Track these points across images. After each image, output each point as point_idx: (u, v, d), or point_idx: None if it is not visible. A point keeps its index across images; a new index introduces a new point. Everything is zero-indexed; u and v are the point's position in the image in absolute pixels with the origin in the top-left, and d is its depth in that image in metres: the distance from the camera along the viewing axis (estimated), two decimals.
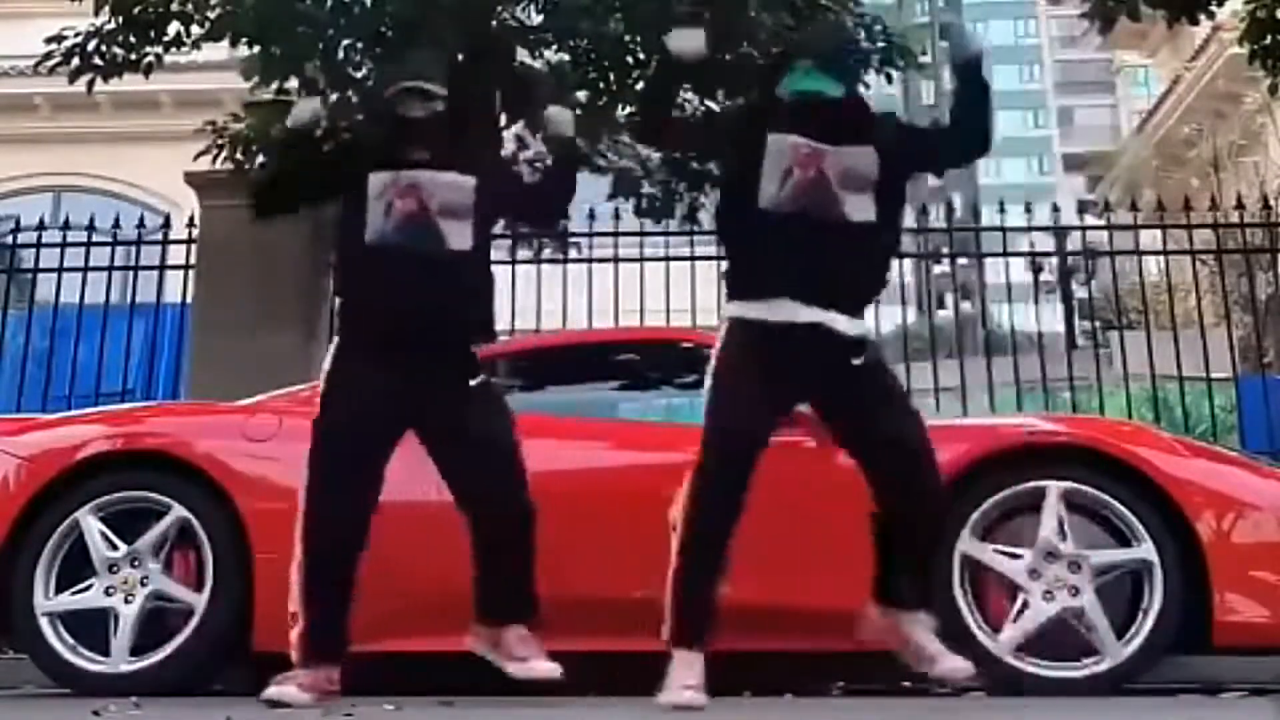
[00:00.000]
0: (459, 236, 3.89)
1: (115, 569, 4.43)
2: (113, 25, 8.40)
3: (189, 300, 8.29)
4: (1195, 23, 9.13)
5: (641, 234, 8.33)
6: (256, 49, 8.00)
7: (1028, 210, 8.48)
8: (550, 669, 3.77)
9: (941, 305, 41.14)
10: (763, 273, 3.71)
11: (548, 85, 8.72)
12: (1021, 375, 8.47)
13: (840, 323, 3.67)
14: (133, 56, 8.56)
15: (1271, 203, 8.60)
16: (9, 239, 9.27)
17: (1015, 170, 65.63)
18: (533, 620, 3.87)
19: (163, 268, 8.41)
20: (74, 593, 4.44)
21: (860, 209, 3.69)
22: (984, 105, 3.95)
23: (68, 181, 15.86)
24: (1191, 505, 4.10)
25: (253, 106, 8.91)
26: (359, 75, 8.59)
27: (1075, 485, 4.14)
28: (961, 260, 21.46)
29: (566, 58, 8.72)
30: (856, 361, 3.68)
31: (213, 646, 4.36)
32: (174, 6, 8.38)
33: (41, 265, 8.47)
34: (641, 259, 8.03)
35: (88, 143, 15.45)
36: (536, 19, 8.71)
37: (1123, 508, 4.10)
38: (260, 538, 4.31)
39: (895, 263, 4.02)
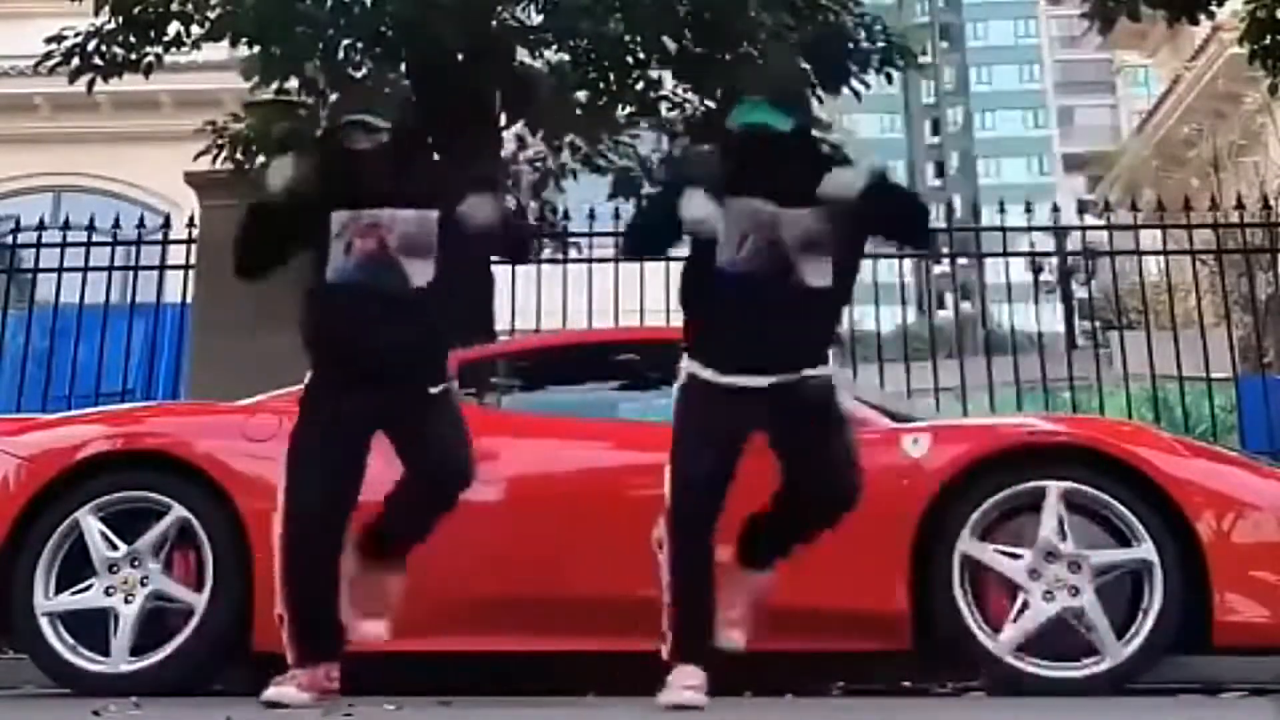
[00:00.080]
0: (420, 273, 3.89)
1: (115, 569, 4.43)
2: (113, 25, 8.39)
3: (189, 300, 8.29)
4: (1195, 23, 9.13)
5: None
6: (256, 49, 7.99)
7: (1028, 210, 8.48)
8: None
9: (941, 305, 41.18)
10: (717, 338, 3.75)
11: (548, 85, 8.73)
12: (1021, 375, 8.47)
13: (791, 379, 3.70)
14: (133, 56, 8.55)
15: (1271, 203, 8.60)
16: (9, 239, 9.28)
17: (1015, 170, 65.67)
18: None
19: (163, 268, 8.41)
20: (74, 593, 4.44)
21: (816, 274, 3.70)
22: (909, 207, 3.93)
23: (68, 181, 15.86)
24: (1191, 505, 4.10)
25: (253, 106, 8.90)
26: (359, 75, 8.58)
27: (1075, 485, 4.14)
28: (961, 260, 21.51)
29: (566, 58, 8.71)
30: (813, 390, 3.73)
31: (213, 646, 4.36)
32: (174, 6, 8.38)
33: (41, 265, 8.47)
34: (641, 259, 8.01)
35: (88, 143, 15.44)
36: (536, 19, 8.71)
37: (1123, 508, 4.10)
38: (260, 538, 4.29)
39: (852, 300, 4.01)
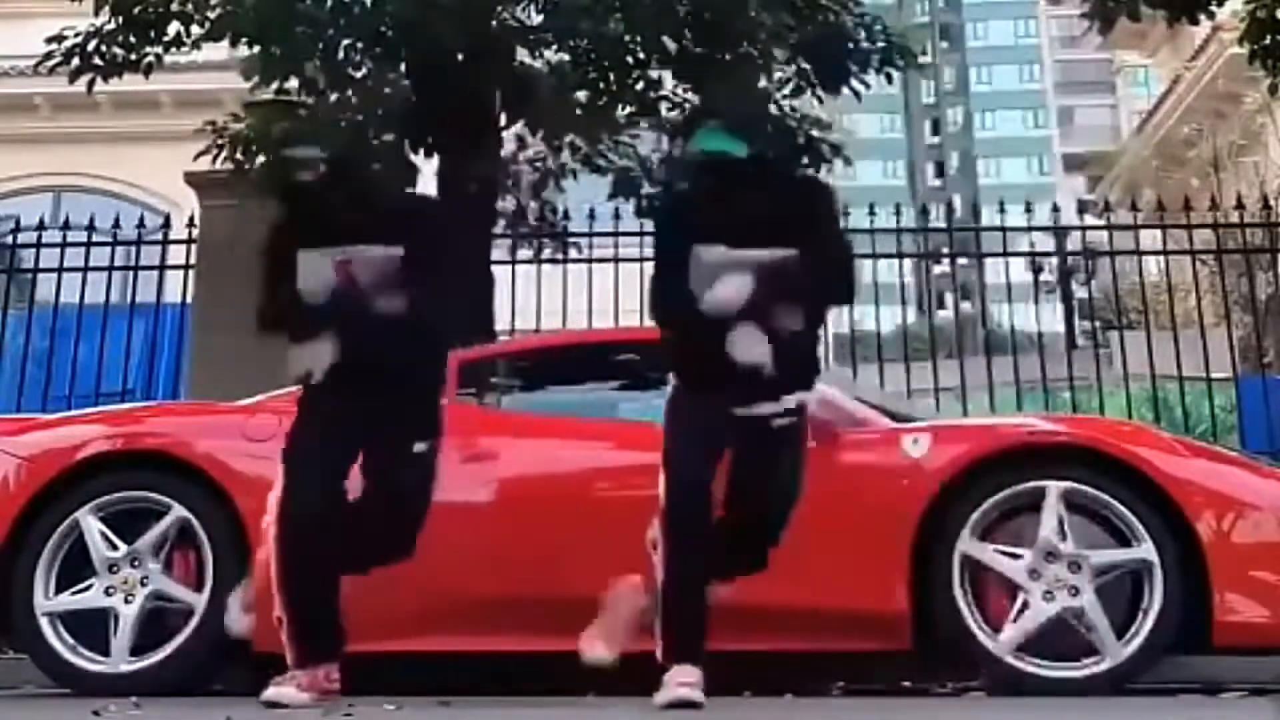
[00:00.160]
0: (391, 303, 3.89)
1: (115, 569, 4.43)
2: (113, 25, 8.39)
3: (189, 300, 8.30)
4: (1195, 23, 9.12)
5: (642, 234, 8.33)
6: (256, 49, 7.99)
7: (1028, 210, 8.49)
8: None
9: (941, 305, 41.19)
10: (691, 366, 3.77)
11: (548, 85, 8.73)
12: (1021, 375, 8.47)
13: (759, 413, 3.71)
14: (133, 56, 8.55)
15: (1271, 203, 8.61)
16: (9, 239, 9.28)
17: (1015, 170, 65.66)
18: None
19: (163, 268, 8.42)
20: (74, 593, 4.45)
21: (786, 316, 3.70)
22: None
23: (68, 181, 15.85)
24: (1191, 505, 4.10)
25: (253, 106, 8.90)
26: (359, 75, 8.59)
27: (1075, 485, 4.14)
28: (961, 260, 21.51)
29: (566, 58, 8.71)
30: (779, 422, 3.73)
31: (213, 646, 4.36)
32: (174, 6, 8.37)
33: (41, 265, 8.48)
34: (641, 259, 8.03)
35: (88, 143, 15.43)
36: (536, 19, 8.70)
37: (1123, 508, 4.10)
38: (260, 538, 4.30)
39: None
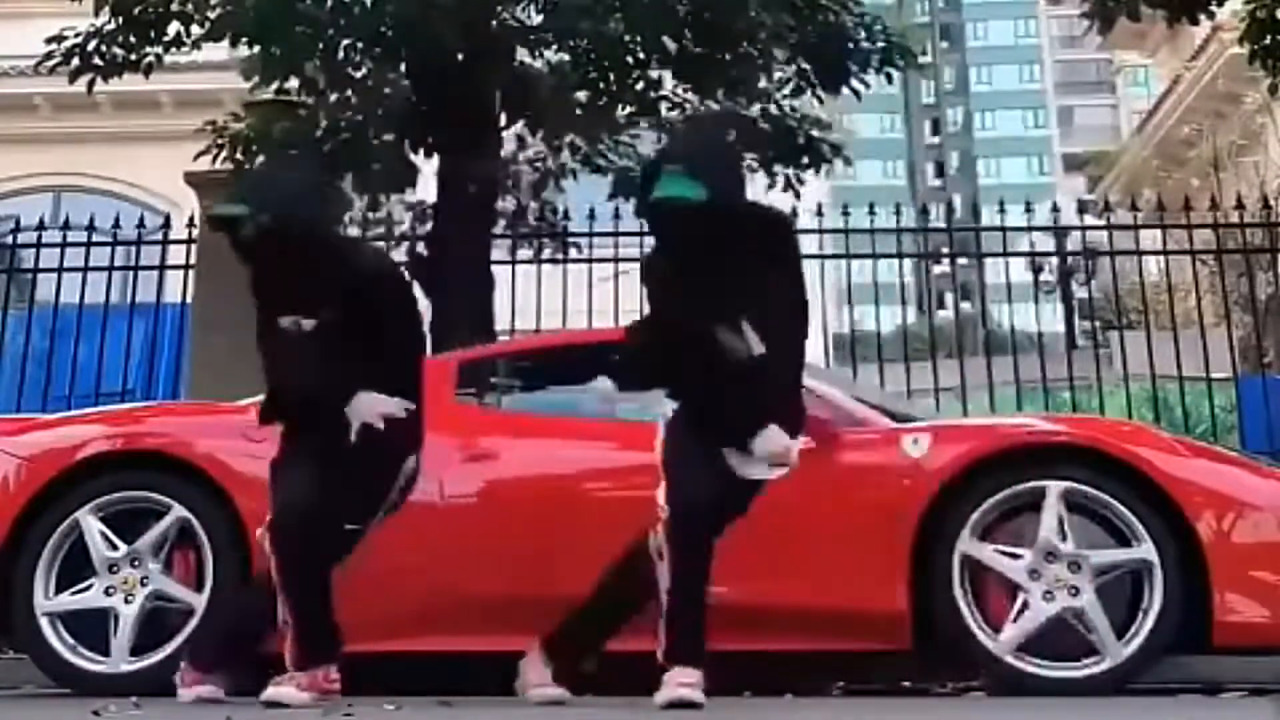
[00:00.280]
0: (341, 367, 3.86)
1: (115, 569, 4.43)
2: (113, 25, 8.39)
3: (189, 300, 8.29)
4: (1195, 23, 9.12)
5: (642, 234, 8.32)
6: (256, 49, 7.99)
7: (1028, 210, 8.49)
8: None
9: (941, 305, 41.19)
10: (698, 417, 3.73)
11: (548, 85, 8.73)
12: (1021, 375, 8.47)
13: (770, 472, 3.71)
14: (133, 56, 8.56)
15: (1271, 203, 8.61)
16: (9, 239, 9.28)
17: (1015, 170, 65.68)
18: None
19: (163, 268, 8.42)
20: (74, 593, 4.44)
21: (749, 347, 3.67)
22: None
23: (68, 181, 15.85)
24: (1191, 505, 4.10)
25: (253, 106, 8.91)
26: (359, 75, 8.59)
27: (1075, 485, 4.14)
28: (961, 260, 21.51)
29: (566, 58, 8.72)
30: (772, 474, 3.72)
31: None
32: (174, 6, 8.38)
33: (41, 265, 8.48)
34: (642, 259, 8.02)
35: (88, 143, 15.43)
36: (536, 19, 8.71)
37: (1123, 508, 4.10)
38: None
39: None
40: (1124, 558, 4.09)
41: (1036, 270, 11.74)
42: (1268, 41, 8.54)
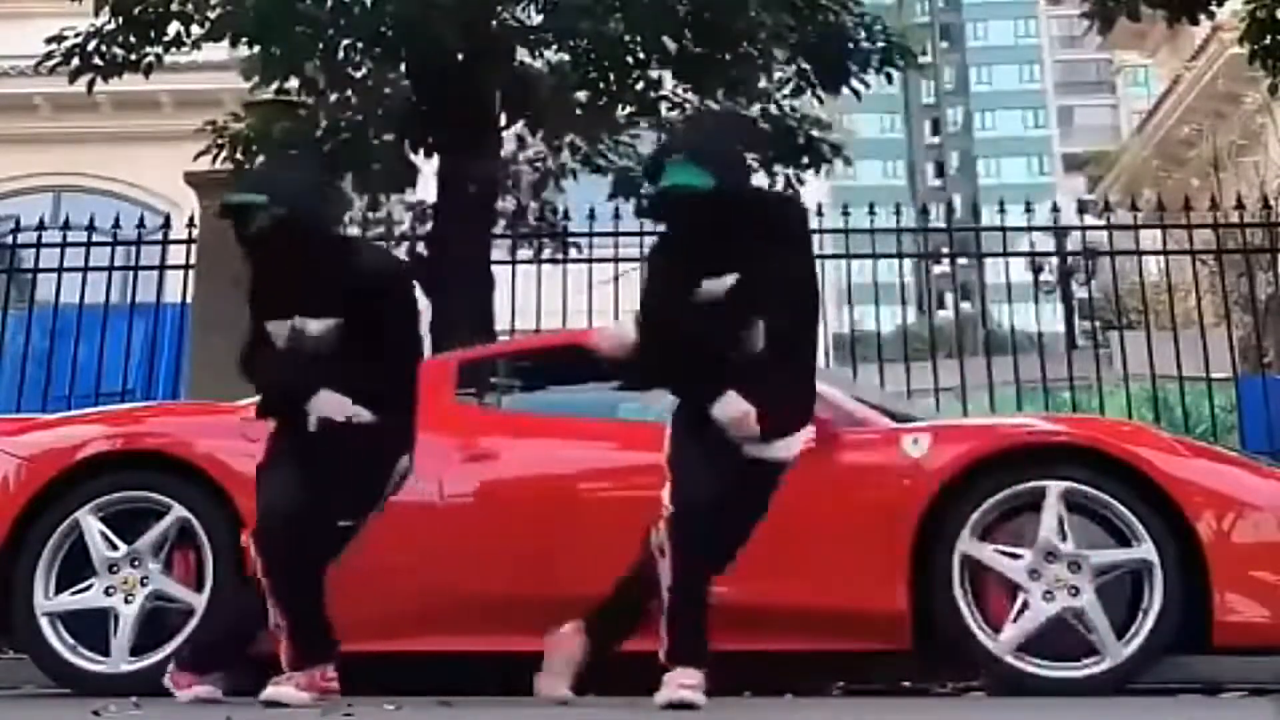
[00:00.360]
0: (342, 372, 3.85)
1: (115, 569, 4.43)
2: (113, 25, 8.40)
3: (189, 300, 8.29)
4: (1195, 23, 9.13)
5: (641, 234, 8.33)
6: (256, 49, 8.00)
7: (1028, 210, 8.49)
8: None
9: (941, 305, 41.19)
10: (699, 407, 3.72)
11: (548, 85, 8.73)
12: (1021, 375, 8.47)
13: (777, 452, 3.72)
14: (133, 56, 8.56)
15: (1271, 203, 8.61)
16: (9, 239, 9.28)
17: (1015, 170, 65.67)
18: None
19: (163, 268, 8.42)
20: (74, 593, 4.44)
21: (757, 341, 3.67)
22: None
23: (68, 181, 15.85)
24: (1191, 505, 4.10)
25: (253, 106, 8.91)
26: (359, 75, 8.59)
27: (1075, 485, 4.14)
28: (961, 260, 21.50)
29: (566, 58, 8.72)
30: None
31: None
32: (174, 6, 8.38)
33: (41, 265, 8.48)
34: (642, 259, 8.03)
35: (88, 143, 15.43)
36: (536, 19, 8.71)
37: (1123, 508, 4.10)
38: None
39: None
40: (1124, 558, 4.09)
41: (1036, 270, 11.74)
42: (1268, 41, 8.54)
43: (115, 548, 4.44)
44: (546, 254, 9.28)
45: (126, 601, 4.40)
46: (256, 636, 3.89)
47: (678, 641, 3.56)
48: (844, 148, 9.53)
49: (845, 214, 8.23)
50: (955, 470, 4.17)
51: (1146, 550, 4.06)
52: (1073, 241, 10.94)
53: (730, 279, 3.65)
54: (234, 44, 8.08)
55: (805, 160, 9.18)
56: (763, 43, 8.33)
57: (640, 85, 8.80)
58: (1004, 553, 4.13)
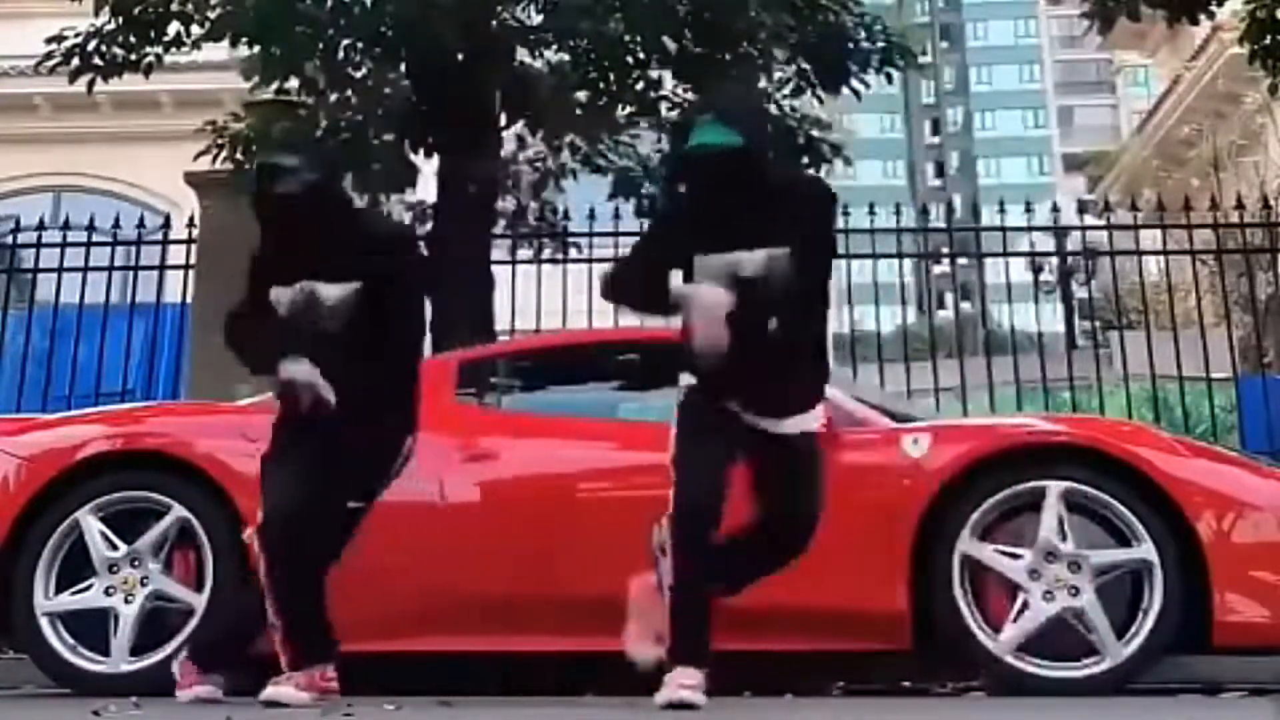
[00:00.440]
0: (355, 340, 3.87)
1: (115, 569, 4.43)
2: (113, 25, 8.39)
3: (189, 300, 8.29)
4: (1195, 23, 9.13)
5: (642, 234, 8.33)
6: (256, 49, 8.00)
7: (1028, 210, 8.49)
8: None
9: (941, 305, 41.19)
10: (705, 372, 3.71)
11: (548, 85, 8.73)
12: (1021, 375, 8.47)
13: (774, 428, 3.69)
14: (133, 56, 8.56)
15: (1271, 203, 8.61)
16: (9, 239, 9.28)
17: (1015, 170, 65.68)
18: None
19: (163, 268, 8.42)
20: (74, 593, 4.44)
21: (776, 323, 3.67)
22: None
23: (68, 181, 15.85)
24: (1191, 505, 4.10)
25: (253, 106, 8.91)
26: (359, 75, 8.59)
27: (1075, 485, 4.14)
28: (961, 260, 21.50)
29: (566, 58, 8.72)
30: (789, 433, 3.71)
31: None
32: (174, 6, 8.38)
33: (41, 265, 8.48)
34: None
35: (88, 143, 15.43)
36: (536, 19, 8.71)
37: (1123, 508, 4.10)
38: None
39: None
40: (1124, 558, 4.09)
41: (1036, 270, 11.74)
42: (1268, 41, 8.54)
43: (115, 548, 4.44)
44: (546, 254, 9.28)
45: (126, 601, 4.40)
46: (260, 635, 3.89)
47: (679, 641, 3.56)
48: (844, 148, 9.52)
49: (845, 214, 8.22)
50: (955, 470, 4.18)
51: (1146, 550, 4.06)
52: (1073, 241, 10.93)
53: (761, 254, 3.64)
54: (234, 44, 8.08)
55: (805, 160, 9.17)
56: (763, 43, 8.33)
57: (640, 85, 8.79)
58: (1004, 553, 4.13)
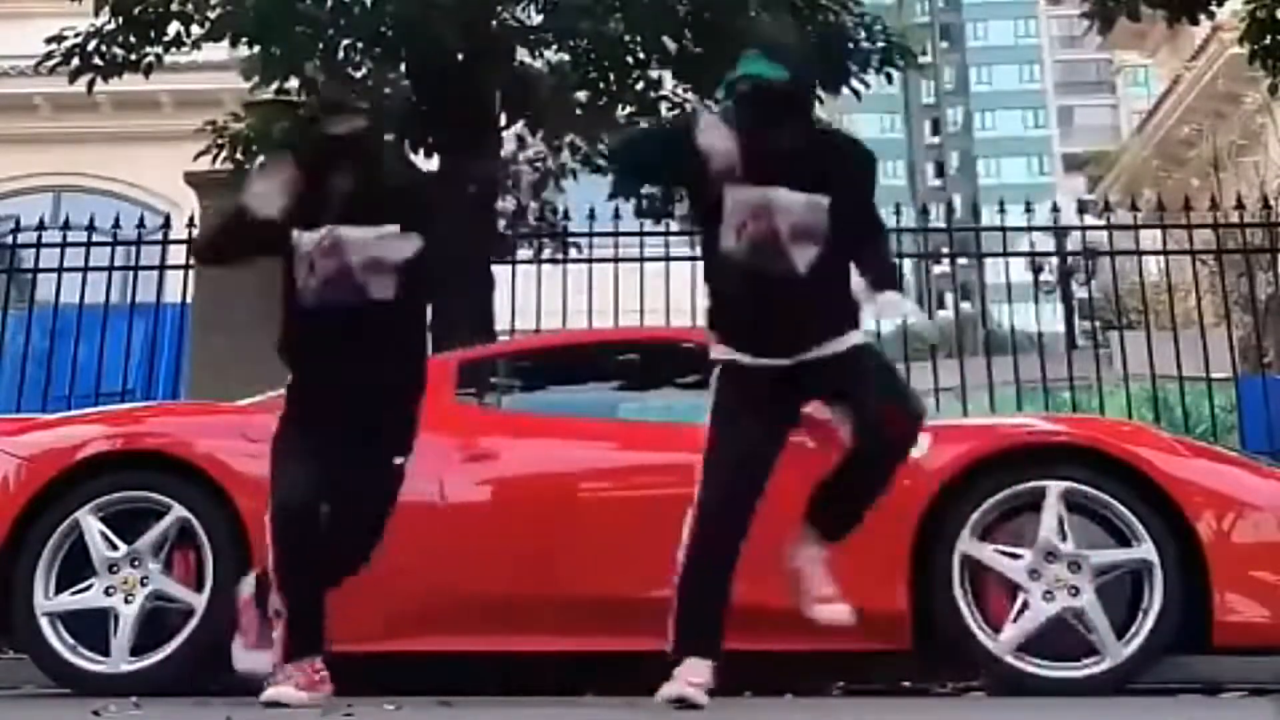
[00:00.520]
0: (381, 288, 3.92)
1: (115, 569, 4.43)
2: (113, 25, 8.39)
3: (189, 300, 8.29)
4: (1195, 23, 9.13)
5: (641, 234, 8.33)
6: (256, 49, 8.00)
7: (1028, 210, 8.48)
8: None
9: (941, 305, 41.18)
10: (732, 321, 3.75)
11: (548, 85, 8.73)
12: (1021, 375, 8.47)
13: (815, 356, 3.68)
14: (133, 56, 8.56)
15: (1271, 203, 8.60)
16: (9, 239, 9.28)
17: (1015, 170, 65.69)
18: None
19: (163, 268, 8.41)
20: (74, 593, 4.44)
21: (808, 261, 3.68)
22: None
23: (68, 181, 15.85)
24: (1191, 505, 4.10)
25: (253, 106, 8.91)
26: (359, 75, 8.59)
27: (1075, 485, 4.14)
28: (961, 260, 21.48)
29: (566, 58, 8.72)
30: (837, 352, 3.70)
31: (212, 646, 4.36)
32: (174, 6, 8.38)
33: (41, 265, 8.48)
34: (641, 259, 8.03)
35: (88, 143, 15.43)
36: (536, 19, 8.71)
37: (1123, 508, 4.10)
38: (260, 538, 4.29)
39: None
40: (1124, 558, 4.09)
41: (1036, 270, 11.74)
42: (1268, 41, 8.54)
43: (115, 548, 4.44)
44: (546, 254, 9.28)
45: (126, 601, 4.40)
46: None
47: (689, 633, 3.55)
48: None
49: None
50: (955, 470, 4.18)
51: (1146, 550, 4.06)
52: (1073, 241, 10.93)
53: (801, 198, 3.67)
54: (234, 44, 8.08)
55: None
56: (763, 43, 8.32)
57: (640, 85, 8.79)
58: (1004, 553, 4.13)
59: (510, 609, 4.37)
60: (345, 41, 8.11)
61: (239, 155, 8.71)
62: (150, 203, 13.67)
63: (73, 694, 4.33)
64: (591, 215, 8.40)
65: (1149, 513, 4.09)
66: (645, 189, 9.54)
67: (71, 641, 4.40)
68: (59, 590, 4.45)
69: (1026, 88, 70.31)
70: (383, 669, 4.32)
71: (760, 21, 7.97)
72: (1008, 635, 4.06)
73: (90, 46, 8.42)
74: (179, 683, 4.28)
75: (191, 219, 8.28)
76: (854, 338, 3.73)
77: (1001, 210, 8.37)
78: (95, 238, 8.31)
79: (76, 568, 4.46)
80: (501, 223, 9.49)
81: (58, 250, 8.37)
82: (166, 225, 8.44)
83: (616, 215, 8.34)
